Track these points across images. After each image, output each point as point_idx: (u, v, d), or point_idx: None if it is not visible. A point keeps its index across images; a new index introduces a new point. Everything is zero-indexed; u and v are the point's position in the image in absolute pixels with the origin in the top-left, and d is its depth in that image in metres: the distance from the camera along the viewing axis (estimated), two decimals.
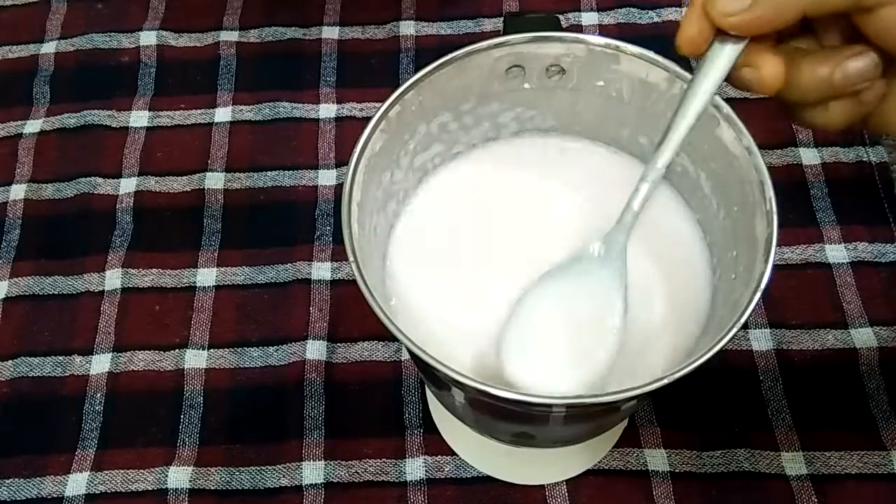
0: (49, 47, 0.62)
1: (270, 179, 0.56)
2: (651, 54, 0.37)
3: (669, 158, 0.34)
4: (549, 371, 0.35)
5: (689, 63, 0.59)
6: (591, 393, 0.34)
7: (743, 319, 0.31)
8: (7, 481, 0.47)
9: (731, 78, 0.31)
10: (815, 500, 0.46)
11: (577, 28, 0.62)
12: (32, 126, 0.59)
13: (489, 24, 0.62)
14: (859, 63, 0.30)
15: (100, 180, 0.57)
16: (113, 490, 0.47)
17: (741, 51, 0.30)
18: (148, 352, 0.51)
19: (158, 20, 0.63)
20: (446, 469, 0.47)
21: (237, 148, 0.58)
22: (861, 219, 0.53)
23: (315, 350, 0.50)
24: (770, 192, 0.34)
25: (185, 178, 0.57)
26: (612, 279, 0.36)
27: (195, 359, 0.51)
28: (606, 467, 0.47)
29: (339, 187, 0.56)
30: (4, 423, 0.49)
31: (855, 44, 0.30)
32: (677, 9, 0.62)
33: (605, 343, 0.36)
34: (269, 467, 0.47)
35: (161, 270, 0.53)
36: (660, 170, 0.34)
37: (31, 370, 0.51)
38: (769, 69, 0.30)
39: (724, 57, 0.31)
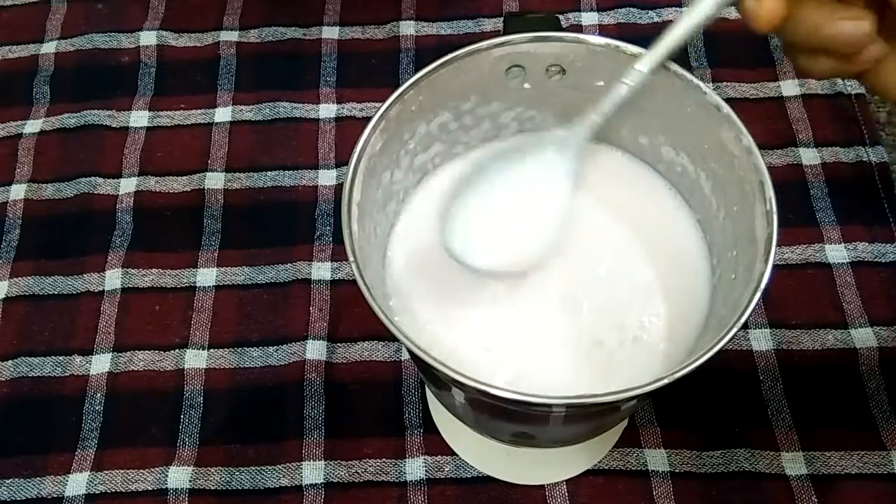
0: (49, 47, 0.62)
1: (270, 179, 0.56)
2: None
3: (656, 62, 0.34)
4: (488, 245, 0.36)
5: (689, 63, 0.60)
6: (591, 392, 0.34)
7: (743, 319, 0.31)
8: (7, 481, 0.47)
9: (737, 2, 0.31)
10: (815, 500, 0.46)
11: (577, 28, 0.62)
12: (32, 126, 0.59)
13: (489, 24, 0.62)
14: (848, 26, 0.30)
15: (100, 180, 0.57)
16: (113, 490, 0.47)
17: None
18: (148, 352, 0.51)
19: (158, 20, 0.63)
20: (446, 469, 0.47)
21: (237, 148, 0.58)
22: (861, 219, 0.53)
23: (315, 350, 0.50)
24: (770, 192, 0.34)
25: (185, 178, 0.57)
26: (563, 171, 0.37)
27: (195, 359, 0.51)
28: (606, 467, 0.47)
29: (339, 187, 0.56)
30: (4, 423, 0.49)
31: (854, 5, 0.30)
32: (677, 9, 0.62)
33: (544, 229, 0.37)
34: (269, 467, 0.47)
35: (161, 270, 0.53)
36: (642, 73, 0.34)
37: (31, 370, 0.51)
38: (768, 4, 0.30)
39: None
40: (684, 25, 0.33)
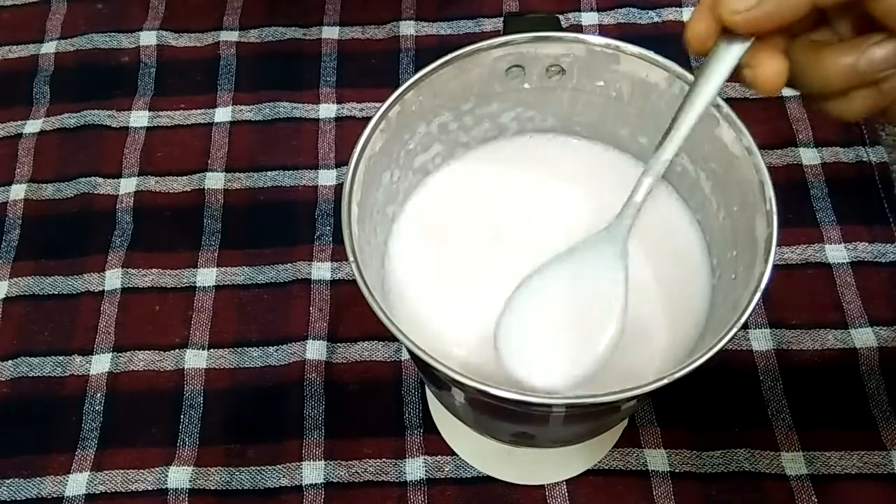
0: (49, 47, 0.62)
1: (270, 179, 0.56)
2: (651, 54, 0.37)
3: (672, 154, 0.33)
4: (548, 360, 0.35)
5: (689, 62, 0.60)
6: (591, 392, 0.34)
7: (743, 319, 0.31)
8: (7, 481, 0.47)
9: (735, 76, 0.32)
10: (815, 500, 0.46)
11: (577, 28, 0.62)
12: (32, 126, 0.59)
13: (489, 24, 0.62)
14: (883, 50, 0.29)
15: (100, 180, 0.57)
16: (113, 490, 0.47)
17: (746, 49, 0.30)
18: (148, 352, 0.51)
19: (158, 20, 0.63)
20: (446, 469, 0.47)
21: (237, 148, 0.58)
22: (861, 219, 0.53)
23: (315, 350, 0.50)
24: (770, 192, 0.34)
25: (185, 178, 0.57)
26: (613, 269, 0.36)
27: (195, 359, 0.51)
28: (606, 467, 0.47)
29: (339, 187, 0.56)
30: (4, 423, 0.49)
31: (872, 33, 0.30)
32: (677, 9, 0.62)
33: (606, 333, 0.35)
34: (269, 467, 0.47)
35: (161, 270, 0.53)
36: (663, 163, 0.34)
37: (31, 370, 0.51)
38: (768, 69, 0.30)
39: (729, 56, 0.31)
40: (695, 112, 0.32)
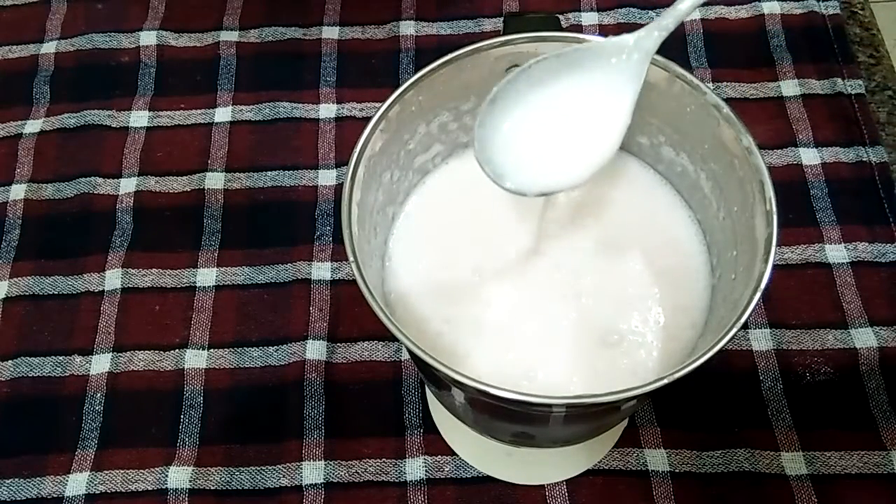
0: (49, 47, 0.62)
1: (270, 179, 0.56)
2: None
3: None
4: (527, 166, 0.34)
5: (690, 62, 0.60)
6: (591, 392, 0.34)
7: (743, 319, 0.31)
8: (7, 481, 0.47)
9: None
10: (815, 500, 0.46)
11: (577, 28, 0.62)
12: (32, 126, 0.59)
13: (489, 24, 0.62)
14: None
15: (100, 180, 0.57)
16: (113, 490, 0.47)
17: None
18: (148, 352, 0.51)
19: (158, 20, 0.63)
20: (446, 469, 0.47)
21: (237, 148, 0.58)
22: (861, 219, 0.53)
23: (315, 350, 0.50)
24: (770, 192, 0.34)
25: (185, 178, 0.57)
26: (625, 82, 0.34)
27: (195, 359, 0.51)
28: (606, 467, 0.47)
29: (339, 187, 0.56)
30: (4, 423, 0.49)
31: None
32: None
33: (598, 150, 0.34)
34: (269, 467, 0.47)
35: (161, 270, 0.53)
36: None
37: (31, 370, 0.51)
38: None
39: None
40: None
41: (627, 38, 0.34)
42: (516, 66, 0.39)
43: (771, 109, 0.58)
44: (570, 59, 0.35)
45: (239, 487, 0.47)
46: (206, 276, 0.53)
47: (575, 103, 0.34)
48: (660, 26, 0.34)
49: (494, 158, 0.34)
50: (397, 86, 0.37)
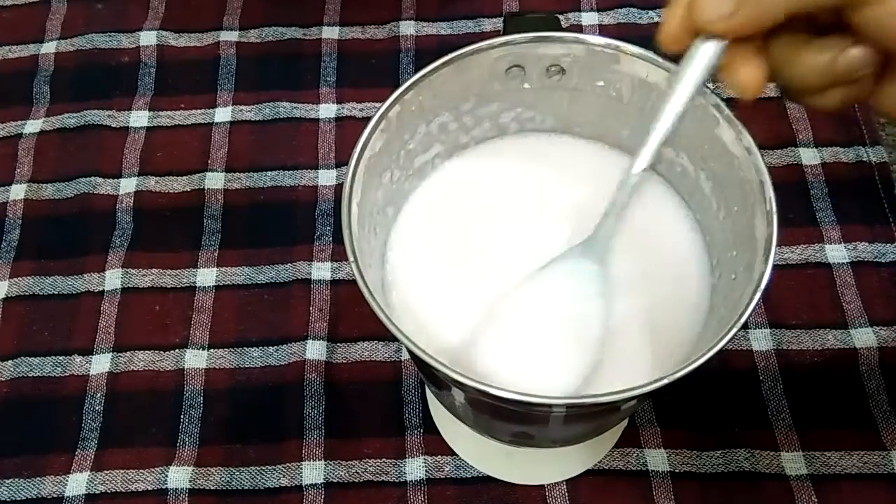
0: (49, 47, 0.62)
1: (270, 179, 0.56)
2: (651, 54, 0.37)
3: (646, 163, 0.33)
4: (526, 379, 0.35)
5: None
6: (591, 392, 0.34)
7: (743, 319, 0.31)
8: (7, 481, 0.47)
9: (714, 79, 0.31)
10: (815, 500, 0.46)
11: (577, 28, 0.62)
12: (32, 126, 0.59)
13: (489, 24, 0.62)
14: (859, 52, 0.29)
15: (100, 180, 0.57)
16: (113, 490, 0.47)
17: (723, 49, 0.30)
18: (148, 352, 0.51)
19: (158, 20, 0.63)
20: (446, 469, 0.47)
21: (237, 148, 0.58)
22: (861, 219, 0.53)
23: (315, 350, 0.50)
24: (770, 192, 0.34)
25: (185, 178, 0.57)
26: (594, 284, 0.36)
27: (195, 359, 0.51)
28: (606, 467, 0.47)
29: (339, 187, 0.56)
30: (4, 423, 0.49)
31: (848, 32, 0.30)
32: None
33: (585, 349, 0.36)
34: (269, 467, 0.47)
35: (161, 270, 0.53)
36: (635, 176, 0.34)
37: (31, 370, 0.51)
38: (746, 74, 0.30)
39: (705, 56, 0.30)
40: (667, 119, 0.32)
41: (582, 246, 0.36)
42: (517, 66, 0.39)
43: (771, 109, 0.58)
44: (546, 277, 0.37)
45: (239, 487, 0.47)
46: (206, 276, 0.53)
47: (555, 315, 0.37)
48: (607, 221, 0.35)
49: (478, 368, 0.36)
50: (397, 86, 0.37)
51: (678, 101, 0.32)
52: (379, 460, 0.47)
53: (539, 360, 0.36)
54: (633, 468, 0.47)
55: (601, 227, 0.36)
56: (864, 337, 0.50)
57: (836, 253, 0.52)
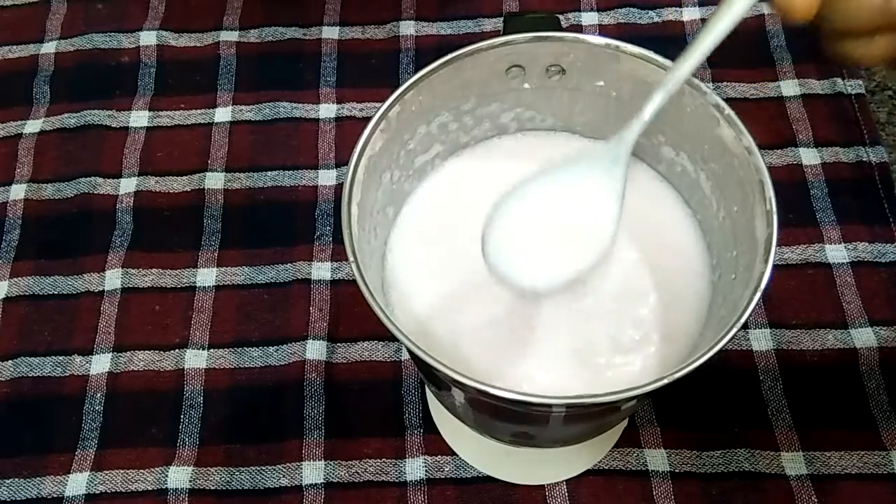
0: (49, 47, 0.62)
1: (270, 179, 0.56)
2: (651, 54, 0.37)
3: (693, 67, 0.33)
4: (534, 263, 0.35)
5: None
6: (591, 392, 0.34)
7: (743, 319, 0.31)
8: (7, 481, 0.47)
9: None
10: (815, 500, 0.46)
11: (577, 28, 0.62)
12: (32, 126, 0.59)
13: (489, 24, 0.62)
14: None
15: (100, 180, 0.57)
16: (113, 490, 0.47)
17: None
18: (148, 352, 0.51)
19: (158, 20, 0.63)
20: (446, 469, 0.47)
21: (237, 148, 0.58)
22: (861, 219, 0.53)
23: (315, 350, 0.50)
24: (770, 192, 0.34)
25: (185, 178, 0.57)
26: (610, 184, 0.35)
27: (195, 359, 0.51)
28: (606, 467, 0.47)
29: (339, 187, 0.56)
30: (4, 423, 0.49)
31: None
32: (677, 9, 0.62)
33: (594, 248, 0.35)
34: (269, 467, 0.47)
35: (161, 270, 0.53)
36: (677, 81, 0.33)
37: (31, 370, 0.51)
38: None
39: None
40: (719, 26, 0.32)
41: (604, 143, 0.35)
42: (517, 66, 0.39)
43: (771, 109, 0.58)
44: (557, 170, 0.36)
45: (239, 487, 0.47)
46: (206, 276, 0.53)
47: (565, 207, 0.36)
48: (637, 122, 0.34)
49: (493, 260, 0.35)
50: (397, 86, 0.37)
51: (735, 11, 0.31)
52: (379, 460, 0.47)
53: (545, 249, 0.35)
54: (633, 468, 0.47)
55: (630, 127, 0.34)
56: (864, 337, 0.50)
57: (836, 253, 0.52)
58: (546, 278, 0.35)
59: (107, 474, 0.48)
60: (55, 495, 0.47)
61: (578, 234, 0.35)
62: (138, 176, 0.57)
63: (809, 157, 0.56)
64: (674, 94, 0.34)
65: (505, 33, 0.38)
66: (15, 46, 0.63)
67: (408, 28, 0.62)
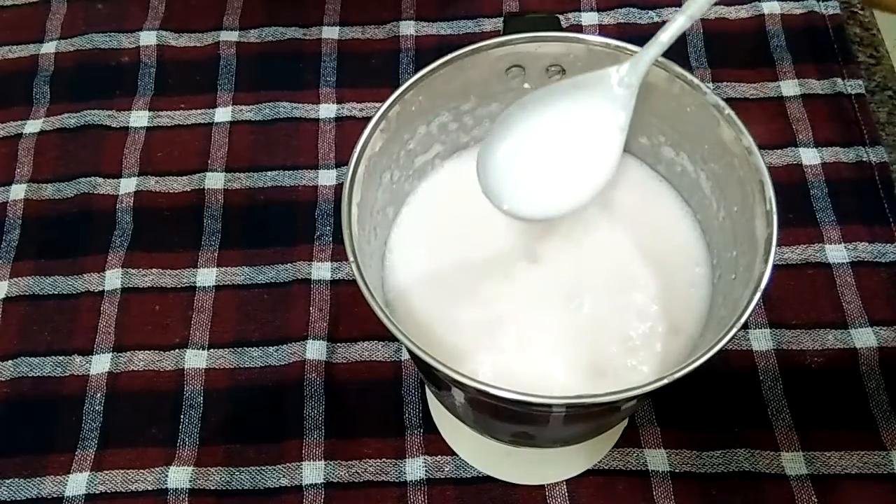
0: (49, 47, 0.62)
1: (270, 179, 0.56)
2: None
3: None
4: (531, 190, 0.34)
5: (689, 62, 0.60)
6: (591, 392, 0.34)
7: (743, 319, 0.31)
8: (7, 481, 0.47)
9: None
10: (815, 500, 0.46)
11: (577, 28, 0.62)
12: (32, 126, 0.59)
13: (489, 24, 0.62)
14: None
15: (100, 180, 0.57)
16: (113, 490, 0.47)
17: None
18: (148, 352, 0.51)
19: (158, 20, 0.63)
20: (446, 469, 0.47)
21: (237, 148, 0.58)
22: (861, 219, 0.53)
23: (315, 350, 0.50)
24: (770, 192, 0.34)
25: (185, 178, 0.57)
26: (616, 112, 0.34)
27: (195, 359, 0.51)
28: (606, 467, 0.47)
29: (339, 187, 0.56)
30: (4, 423, 0.49)
31: None
32: (677, 9, 0.61)
33: (593, 179, 0.34)
34: (269, 467, 0.47)
35: (161, 270, 0.53)
36: (701, 5, 0.32)
37: (31, 370, 0.51)
38: None
39: None
40: None
41: (615, 68, 0.35)
42: (517, 66, 0.39)
43: (771, 109, 0.58)
44: (562, 89, 0.35)
45: (239, 487, 0.47)
46: (206, 276, 0.53)
47: (569, 130, 0.35)
48: (655, 45, 0.34)
49: (491, 184, 0.35)
50: (397, 86, 0.37)
51: None
52: (379, 460, 0.47)
53: (543, 175, 0.35)
54: (633, 468, 0.47)
55: (647, 50, 0.34)
56: (864, 337, 0.50)
57: (836, 253, 0.52)
58: (541, 206, 0.34)
59: (107, 474, 0.48)
60: (55, 495, 0.47)
61: (579, 162, 0.35)
62: (138, 176, 0.57)
63: (809, 157, 0.56)
64: (696, 18, 0.33)
65: (505, 33, 0.38)
66: (15, 46, 0.63)
67: (408, 28, 0.62)
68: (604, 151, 0.35)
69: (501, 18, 0.62)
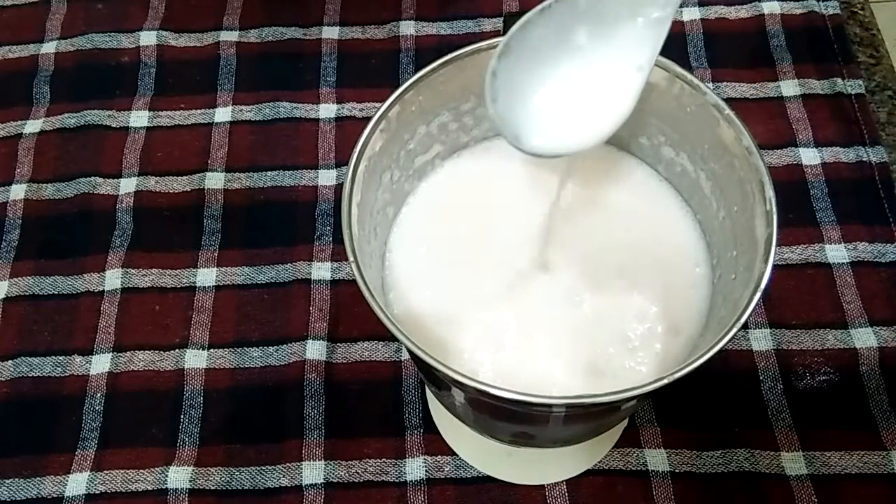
0: (49, 47, 0.62)
1: (270, 179, 0.56)
2: None
3: None
4: (545, 123, 0.32)
5: (689, 63, 0.60)
6: (591, 392, 0.34)
7: (743, 319, 0.31)
8: (7, 481, 0.47)
9: None
10: (815, 500, 0.46)
11: None
12: (32, 126, 0.59)
13: (489, 24, 0.62)
14: None
15: (100, 180, 0.57)
16: (113, 490, 0.47)
17: None
18: (148, 352, 0.51)
19: (158, 20, 0.63)
20: (446, 469, 0.47)
21: (237, 148, 0.58)
22: (861, 219, 0.53)
23: (315, 350, 0.50)
24: (770, 192, 0.34)
25: (185, 178, 0.57)
26: (645, 38, 0.32)
27: (195, 359, 0.51)
28: (606, 467, 0.47)
29: (339, 187, 0.56)
30: (4, 423, 0.49)
31: None
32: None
33: (608, 118, 0.32)
34: (269, 467, 0.47)
35: (161, 270, 0.53)
36: None
37: (31, 370, 0.51)
38: None
39: None
40: None
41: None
42: None
43: (771, 109, 0.58)
44: (585, 10, 0.32)
45: (239, 487, 0.47)
46: (206, 276, 0.53)
47: (592, 59, 0.32)
48: None
49: (508, 115, 0.32)
50: (397, 86, 0.37)
51: None
52: (379, 460, 0.47)
53: (557, 108, 0.33)
54: (633, 468, 0.47)
55: None
56: (864, 337, 0.50)
57: (836, 253, 0.52)
58: (550, 142, 0.32)
59: (107, 474, 0.48)
60: (55, 495, 0.47)
61: (595, 99, 0.32)
62: (138, 176, 0.57)
63: (809, 157, 0.56)
64: None
65: (505, 33, 0.38)
66: (15, 46, 0.63)
67: (408, 28, 0.62)
68: (626, 84, 0.32)
69: (501, 18, 0.62)
